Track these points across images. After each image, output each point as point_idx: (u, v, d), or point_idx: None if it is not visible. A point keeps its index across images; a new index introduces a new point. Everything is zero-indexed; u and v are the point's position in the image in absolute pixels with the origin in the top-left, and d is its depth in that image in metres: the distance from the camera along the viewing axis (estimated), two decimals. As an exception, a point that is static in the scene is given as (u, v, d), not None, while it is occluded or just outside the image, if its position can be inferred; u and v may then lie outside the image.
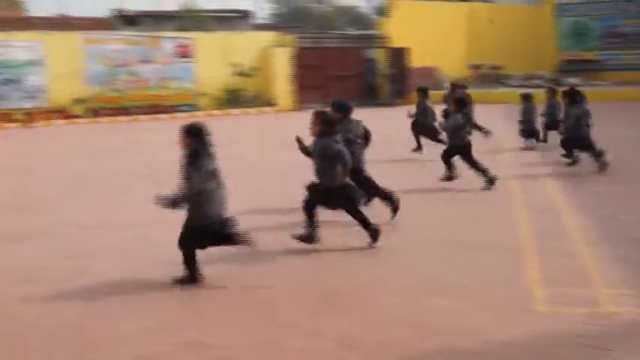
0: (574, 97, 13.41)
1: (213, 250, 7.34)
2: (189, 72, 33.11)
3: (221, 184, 7.09)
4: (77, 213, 10.91)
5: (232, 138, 19.69)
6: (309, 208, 8.20)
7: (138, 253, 8.38)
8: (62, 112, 29.88)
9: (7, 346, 5.76)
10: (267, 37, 35.90)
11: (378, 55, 36.58)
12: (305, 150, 8.54)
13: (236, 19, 42.00)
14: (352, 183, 8.48)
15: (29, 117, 28.87)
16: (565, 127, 13.64)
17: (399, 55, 36.16)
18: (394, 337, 5.68)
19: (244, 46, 34.14)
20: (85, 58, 30.90)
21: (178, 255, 7.05)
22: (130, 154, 18.45)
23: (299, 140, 8.57)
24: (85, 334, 5.92)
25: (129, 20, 40.11)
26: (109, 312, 6.44)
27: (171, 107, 32.38)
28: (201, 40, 33.68)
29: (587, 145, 13.16)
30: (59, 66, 29.76)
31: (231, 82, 33.37)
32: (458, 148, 11.87)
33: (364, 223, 8.29)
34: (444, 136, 13.55)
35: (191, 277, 7.09)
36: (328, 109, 9.06)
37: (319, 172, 8.25)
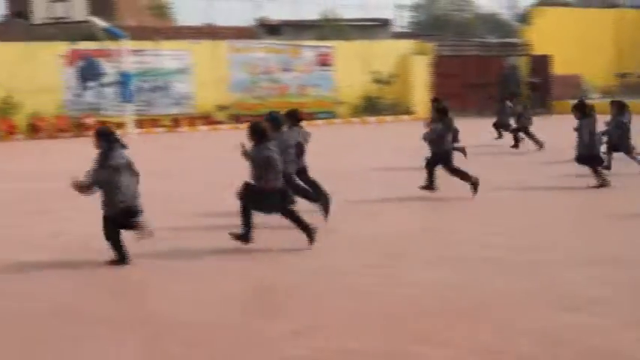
0: (584, 110, 13.20)
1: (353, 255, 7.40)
2: (328, 80, 33.54)
3: (132, 178, 8.34)
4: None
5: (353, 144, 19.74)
6: (245, 210, 8.83)
7: (285, 257, 8.54)
8: (206, 118, 30.97)
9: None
10: (406, 45, 35.86)
11: (520, 63, 35.79)
12: (246, 154, 9.05)
13: (376, 28, 42.19)
14: (285, 187, 9.11)
15: (175, 122, 30.10)
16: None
17: (541, 62, 35.22)
18: (532, 351, 5.54)
19: (383, 54, 34.25)
20: (229, 66, 31.93)
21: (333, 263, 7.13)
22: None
23: (242, 145, 9.06)
24: (234, 335, 6.09)
25: (271, 29, 41.10)
26: (257, 313, 6.60)
27: (309, 114, 32.83)
28: (341, 49, 34.05)
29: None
30: (205, 74, 30.90)
31: (370, 90, 33.55)
32: (439, 155, 12.20)
33: (300, 224, 8.86)
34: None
35: (120, 258, 8.22)
36: (262, 121, 10.02)
37: (254, 176, 8.89)
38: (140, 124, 28.46)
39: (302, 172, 10.88)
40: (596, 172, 12.78)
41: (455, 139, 12.88)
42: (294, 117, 11.19)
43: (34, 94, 27.96)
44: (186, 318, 6.44)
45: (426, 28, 55.71)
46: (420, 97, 33.42)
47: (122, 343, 5.91)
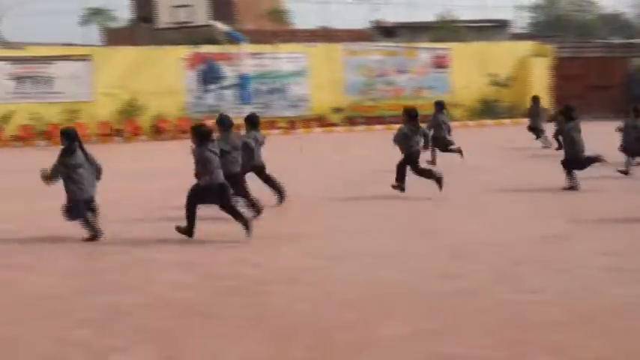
0: (570, 114, 13.50)
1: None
2: (444, 82, 33.22)
3: (89, 172, 10.01)
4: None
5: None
6: (190, 205, 9.70)
7: (398, 259, 8.55)
8: (321, 121, 31.28)
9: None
10: (525, 46, 35.08)
11: (646, 65, 34.44)
12: (193, 153, 9.89)
13: (494, 29, 41.48)
14: (225, 183, 9.83)
15: (291, 124, 30.54)
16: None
17: (669, 64, 33.76)
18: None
19: (501, 56, 33.65)
20: (344, 68, 32.14)
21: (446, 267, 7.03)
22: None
23: (191, 146, 9.93)
24: (345, 336, 6.15)
25: (386, 31, 41.08)
26: (372, 315, 6.63)
27: (425, 117, 32.69)
28: (458, 51, 33.67)
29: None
30: (321, 76, 31.22)
31: (487, 93, 33.03)
32: (407, 157, 12.89)
33: (237, 216, 9.73)
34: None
35: (92, 235, 9.82)
36: (202, 124, 10.93)
37: (196, 173, 9.79)
38: (257, 125, 29.00)
39: (260, 170, 12.11)
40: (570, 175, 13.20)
41: (426, 143, 13.41)
42: (252, 121, 12.32)
43: (158, 96, 29.00)
44: (303, 319, 6.53)
45: (545, 30, 54.29)
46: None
47: (240, 342, 6.03)
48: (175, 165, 19.21)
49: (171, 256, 8.99)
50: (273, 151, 21.77)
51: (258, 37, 34.11)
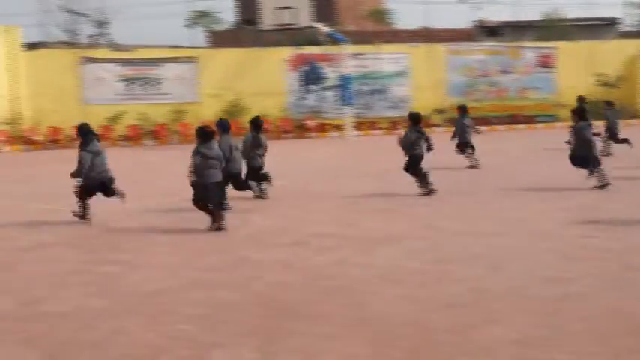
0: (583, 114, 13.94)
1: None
2: (549, 82, 32.44)
3: (101, 159, 11.49)
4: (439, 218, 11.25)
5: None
6: (197, 202, 10.81)
7: (504, 262, 8.40)
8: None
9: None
10: (634, 45, 33.83)
11: None
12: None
13: (602, 27, 40.20)
14: (215, 184, 10.71)
15: (393, 125, 30.42)
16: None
17: None
18: None
19: (609, 55, 32.58)
20: (447, 68, 31.81)
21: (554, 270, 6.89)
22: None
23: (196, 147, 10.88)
24: (447, 339, 6.06)
25: (490, 31, 40.43)
26: (477, 318, 6.52)
27: (529, 118, 31.99)
28: (564, 50, 32.81)
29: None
30: (422, 77, 31.01)
31: (594, 93, 32.03)
32: (411, 159, 13.54)
33: (214, 214, 10.67)
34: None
35: (82, 215, 11.42)
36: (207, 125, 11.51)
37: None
38: (358, 126, 29.04)
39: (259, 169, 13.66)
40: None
41: (429, 147, 13.71)
42: (256, 124, 14.01)
43: (260, 97, 29.46)
44: (405, 321, 6.48)
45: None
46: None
47: (339, 343, 6.03)
48: (273, 165, 19.47)
49: (275, 256, 9.08)
50: (376, 151, 21.74)
51: (360, 37, 34.16)
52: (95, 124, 27.51)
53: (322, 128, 29.93)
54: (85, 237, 10.58)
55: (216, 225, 10.64)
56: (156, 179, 17.39)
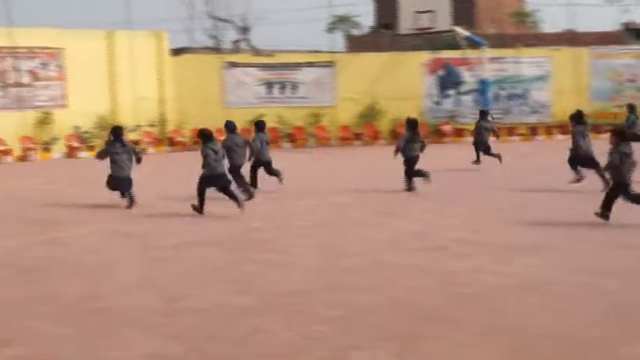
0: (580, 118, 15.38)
1: None
2: None
3: (128, 156, 13.74)
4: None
5: None
6: (199, 190, 12.63)
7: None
8: (563, 128, 30.07)
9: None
10: None
11: None
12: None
13: None
14: (225, 173, 12.89)
15: (532, 131, 29.68)
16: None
17: None
18: None
19: None
20: (590, 73, 30.72)
21: None
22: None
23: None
24: (585, 353, 5.89)
25: (638, 34, 38.70)
26: (622, 333, 6.31)
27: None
28: None
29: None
30: (564, 81, 30.08)
31: None
32: (407, 160, 15.11)
33: (232, 197, 12.67)
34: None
35: (130, 203, 13.56)
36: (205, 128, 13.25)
37: (202, 165, 12.67)
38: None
39: (267, 164, 15.52)
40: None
41: (422, 148, 15.28)
42: (259, 125, 16.03)
43: (397, 101, 29.43)
44: (542, 332, 6.34)
45: None
46: None
47: (476, 351, 5.97)
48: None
49: (409, 261, 9.10)
50: (514, 158, 21.28)
51: (500, 41, 33.54)
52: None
53: (458, 133, 29.56)
54: (228, 236, 10.95)
55: (238, 205, 12.51)
56: (296, 181, 17.69)
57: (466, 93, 30.47)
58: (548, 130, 29.98)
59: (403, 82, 29.74)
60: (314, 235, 10.93)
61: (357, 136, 29.18)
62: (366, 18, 63.33)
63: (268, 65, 30.07)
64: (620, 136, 11.05)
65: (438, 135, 29.39)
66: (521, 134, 29.60)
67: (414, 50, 32.71)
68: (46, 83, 26.63)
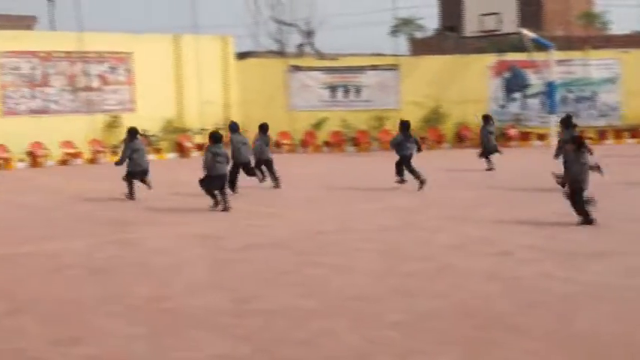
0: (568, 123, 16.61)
1: None
2: None
3: (142, 154, 15.80)
4: None
5: None
6: (204, 188, 13.95)
7: None
8: (633, 131, 29.42)
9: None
10: None
11: None
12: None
13: None
14: (224, 175, 14.00)
15: (601, 135, 29.08)
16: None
17: None
18: None
19: None
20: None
21: None
22: None
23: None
24: None
25: None
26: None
27: None
28: None
29: None
30: (634, 83, 29.41)
31: None
32: (402, 158, 16.38)
33: (223, 197, 13.81)
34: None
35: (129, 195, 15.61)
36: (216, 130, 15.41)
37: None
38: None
39: (268, 162, 16.99)
40: None
41: (419, 148, 16.79)
42: (263, 128, 17.51)
43: (462, 104, 29.25)
44: (612, 341, 6.22)
45: None
46: None
47: (542, 357, 5.90)
48: (478, 174, 19.28)
49: (474, 266, 9.03)
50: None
51: (568, 43, 32.98)
52: (300, 129, 28.79)
53: (525, 137, 29.17)
54: (294, 239, 11.04)
55: (222, 207, 13.66)
56: (359, 184, 17.73)
57: (533, 96, 30.06)
58: (618, 133, 29.36)
59: (468, 85, 29.50)
60: (378, 239, 10.94)
61: (421, 140, 28.99)
62: (430, 21, 63.11)
63: (332, 69, 30.19)
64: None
65: (503, 139, 29.02)
66: (590, 138, 29.03)
67: (479, 53, 32.41)
68: (114, 87, 27.26)
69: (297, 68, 30.15)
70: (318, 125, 29.34)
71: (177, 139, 27.68)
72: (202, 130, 27.96)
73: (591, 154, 13.22)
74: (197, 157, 26.92)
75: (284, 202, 15.29)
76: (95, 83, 26.85)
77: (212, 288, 8.25)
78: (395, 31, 42.07)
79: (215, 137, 14.05)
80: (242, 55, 33.70)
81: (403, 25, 44.32)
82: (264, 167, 17.00)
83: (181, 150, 27.44)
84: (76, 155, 25.32)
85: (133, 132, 16.13)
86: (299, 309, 7.33)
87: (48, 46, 26.16)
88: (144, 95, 27.31)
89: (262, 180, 16.84)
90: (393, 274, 8.75)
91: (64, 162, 24.42)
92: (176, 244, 10.91)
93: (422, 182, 15.91)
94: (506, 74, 30.22)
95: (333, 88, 30.03)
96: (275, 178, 16.96)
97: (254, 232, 11.81)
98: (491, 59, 30.55)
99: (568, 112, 17.66)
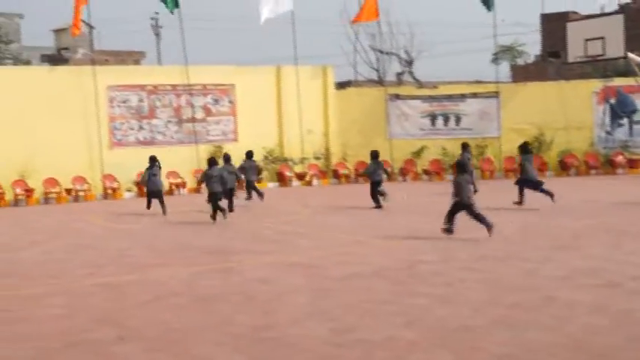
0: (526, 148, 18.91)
1: None
2: None
3: (156, 176, 19.47)
4: None
5: None
6: (213, 204, 17.10)
7: None
8: None
9: None
10: None
11: None
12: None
13: None
14: (219, 192, 17.34)
15: None
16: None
17: None
18: None
19: None
20: None
21: None
22: None
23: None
24: None
25: None
26: None
27: None
28: None
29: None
30: None
31: None
32: (372, 184, 19.18)
33: (222, 210, 17.16)
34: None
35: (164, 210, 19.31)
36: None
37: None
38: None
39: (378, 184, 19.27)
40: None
41: (387, 176, 20.54)
42: (249, 154, 21.56)
43: (564, 131, 28.59)
44: None
45: None
46: None
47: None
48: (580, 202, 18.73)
49: (582, 297, 8.76)
50: None
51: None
52: (399, 158, 28.71)
53: (633, 164, 28.18)
54: (395, 268, 10.98)
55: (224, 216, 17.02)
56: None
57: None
58: None
59: (572, 112, 28.81)
60: (480, 268, 10.75)
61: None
62: (531, 47, 62.16)
63: (432, 97, 30.03)
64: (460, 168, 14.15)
65: (609, 166, 28.16)
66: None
67: (582, 78, 31.63)
68: (217, 118, 27.95)
69: (397, 97, 30.14)
70: (417, 153, 29.21)
71: (278, 169, 28.08)
72: (303, 159, 28.32)
73: None
74: (297, 187, 27.33)
75: (381, 230, 15.22)
76: (199, 114, 27.60)
77: (313, 317, 8.27)
78: (496, 58, 41.61)
79: (210, 161, 18.06)
80: (341, 85, 34.01)
81: (505, 52, 43.81)
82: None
83: (282, 179, 27.80)
84: (180, 185, 26.01)
85: (152, 158, 19.71)
86: (401, 339, 7.26)
87: (155, 80, 27.11)
88: (246, 125, 27.89)
89: (385, 198, 19.14)
90: (496, 304, 8.57)
91: (169, 192, 25.10)
92: (276, 273, 11.01)
93: (379, 207, 18.78)
94: (612, 100, 29.35)
95: (432, 117, 29.85)
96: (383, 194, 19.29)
97: (351, 260, 11.81)
98: (596, 85, 29.75)
99: (526, 141, 19.16)
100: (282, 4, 28.55)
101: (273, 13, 28.33)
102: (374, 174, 19.23)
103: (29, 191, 23.80)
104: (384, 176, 19.82)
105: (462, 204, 13.60)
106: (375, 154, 19.58)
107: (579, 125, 28.78)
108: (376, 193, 19.12)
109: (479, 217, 13.59)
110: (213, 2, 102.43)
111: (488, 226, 13.39)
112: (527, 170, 18.15)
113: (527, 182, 18.02)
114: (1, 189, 23.66)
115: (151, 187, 19.44)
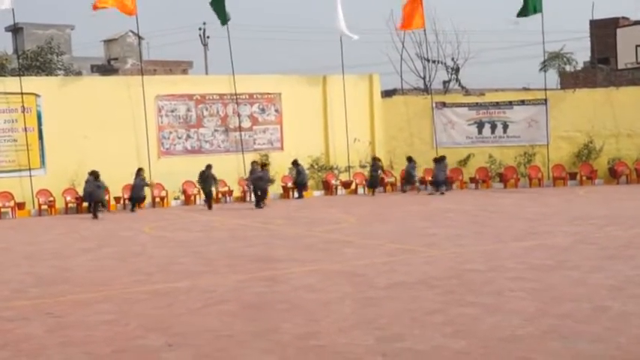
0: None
1: None
2: None
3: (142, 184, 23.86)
4: None
5: None
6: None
7: None
8: None
9: None
10: None
11: None
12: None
13: None
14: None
15: None
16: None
17: None
18: None
19: None
20: None
21: None
22: None
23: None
24: None
25: None
26: None
27: None
28: None
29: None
30: None
31: None
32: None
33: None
34: None
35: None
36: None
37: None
38: None
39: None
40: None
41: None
42: (264, 164, 24.77)
43: (615, 138, 28.17)
44: None
45: None
46: None
47: None
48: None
49: (634, 308, 8.58)
50: None
51: None
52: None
53: (686, 172, 27.62)
54: (443, 277, 10.89)
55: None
56: (509, 221, 17.35)
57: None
58: None
59: (622, 119, 28.37)
60: (529, 278, 10.61)
61: (572, 176, 28.07)
62: (580, 54, 61.36)
63: (478, 104, 29.80)
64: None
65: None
66: None
67: (632, 85, 31.09)
68: (264, 127, 28.12)
69: (443, 105, 29.98)
70: (464, 162, 29.01)
71: (324, 177, 28.12)
72: (349, 167, 28.31)
73: None
74: (343, 195, 27.33)
75: (427, 238, 15.13)
76: (246, 123, 27.80)
77: (359, 326, 8.24)
78: (545, 65, 41.16)
79: (206, 167, 23.77)
80: (387, 93, 33.93)
81: (553, 59, 43.31)
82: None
83: (328, 187, 27.82)
84: (227, 193, 26.21)
85: (139, 170, 23.92)
86: (449, 349, 7.18)
87: (202, 89, 27.39)
88: (292, 134, 28.00)
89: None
90: (547, 314, 8.44)
91: (216, 200, 25.29)
92: (322, 281, 11.00)
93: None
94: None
95: (479, 124, 29.61)
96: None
97: (397, 269, 11.75)
98: (645, 91, 29.25)
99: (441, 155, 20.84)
100: (341, 20, 28.63)
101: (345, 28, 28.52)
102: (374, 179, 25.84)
103: (79, 199, 24.20)
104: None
105: None
106: (374, 159, 24.66)
107: (629, 132, 28.33)
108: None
109: None
110: (261, 13, 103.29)
111: None
112: None
113: None
114: (53, 197, 24.12)
115: (138, 193, 23.91)
